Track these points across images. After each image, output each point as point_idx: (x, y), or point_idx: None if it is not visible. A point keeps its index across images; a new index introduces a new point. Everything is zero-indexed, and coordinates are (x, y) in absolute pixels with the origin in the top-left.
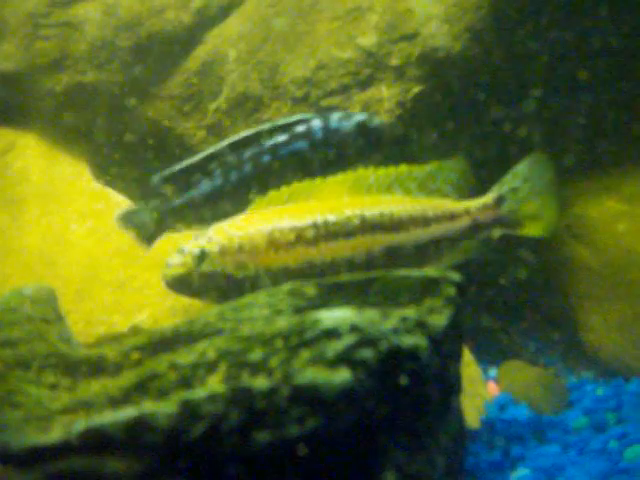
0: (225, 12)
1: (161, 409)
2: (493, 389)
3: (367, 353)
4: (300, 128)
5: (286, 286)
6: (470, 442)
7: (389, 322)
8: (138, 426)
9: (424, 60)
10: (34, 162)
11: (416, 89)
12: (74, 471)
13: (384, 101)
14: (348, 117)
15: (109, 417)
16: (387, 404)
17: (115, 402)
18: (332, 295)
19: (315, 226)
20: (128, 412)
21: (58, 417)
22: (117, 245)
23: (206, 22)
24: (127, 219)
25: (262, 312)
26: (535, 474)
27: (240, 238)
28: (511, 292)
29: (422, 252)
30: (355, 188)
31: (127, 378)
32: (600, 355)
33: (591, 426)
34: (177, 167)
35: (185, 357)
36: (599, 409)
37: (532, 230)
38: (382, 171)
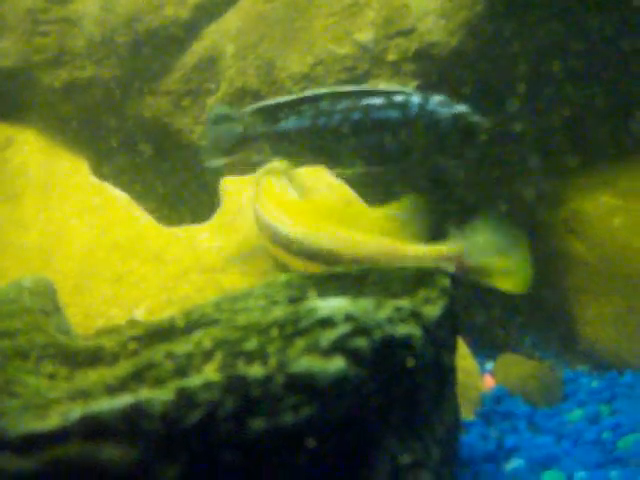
0: (223, 8)
1: (157, 396)
2: (489, 382)
3: (361, 342)
4: (398, 98)
5: (282, 277)
6: (465, 434)
7: (383, 311)
8: (134, 413)
9: (420, 55)
10: (33, 157)
11: (413, 84)
12: (70, 457)
13: None
14: (449, 104)
15: (105, 404)
16: (381, 393)
17: (112, 390)
18: (328, 286)
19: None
20: (124, 399)
21: (55, 405)
22: (115, 239)
23: (204, 18)
24: (219, 119)
25: (258, 302)
26: (529, 464)
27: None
28: None
29: None
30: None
31: (124, 367)
32: (595, 348)
33: (585, 418)
34: (270, 102)
35: (181, 347)
36: (593, 401)
37: (504, 285)
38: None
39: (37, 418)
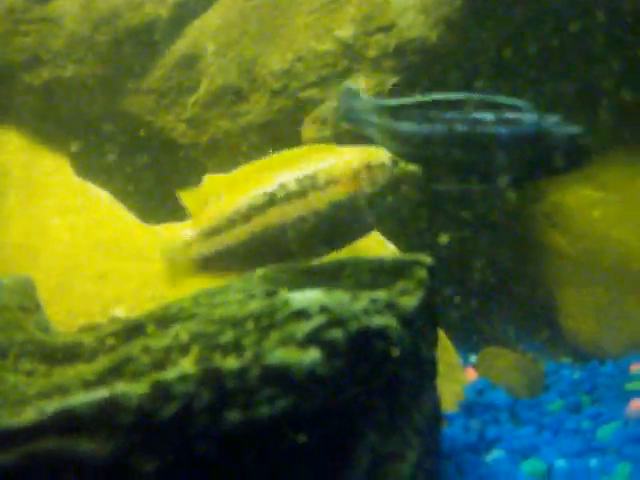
0: (203, 6)
1: (133, 389)
2: (472, 374)
3: (336, 333)
4: (510, 115)
5: (259, 272)
6: (448, 426)
7: (359, 303)
8: (110, 406)
9: (401, 51)
10: (15, 157)
11: (393, 80)
12: (47, 452)
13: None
14: (564, 126)
15: (81, 398)
16: (358, 384)
17: (89, 385)
18: (304, 279)
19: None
20: (100, 393)
21: (33, 401)
22: (98, 237)
23: (184, 16)
24: (351, 93)
25: (236, 296)
26: (509, 455)
27: None
28: (491, 280)
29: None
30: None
31: (101, 363)
32: (578, 340)
33: (566, 408)
34: (378, 102)
35: (158, 341)
36: (574, 391)
37: None
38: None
39: (14, 414)
